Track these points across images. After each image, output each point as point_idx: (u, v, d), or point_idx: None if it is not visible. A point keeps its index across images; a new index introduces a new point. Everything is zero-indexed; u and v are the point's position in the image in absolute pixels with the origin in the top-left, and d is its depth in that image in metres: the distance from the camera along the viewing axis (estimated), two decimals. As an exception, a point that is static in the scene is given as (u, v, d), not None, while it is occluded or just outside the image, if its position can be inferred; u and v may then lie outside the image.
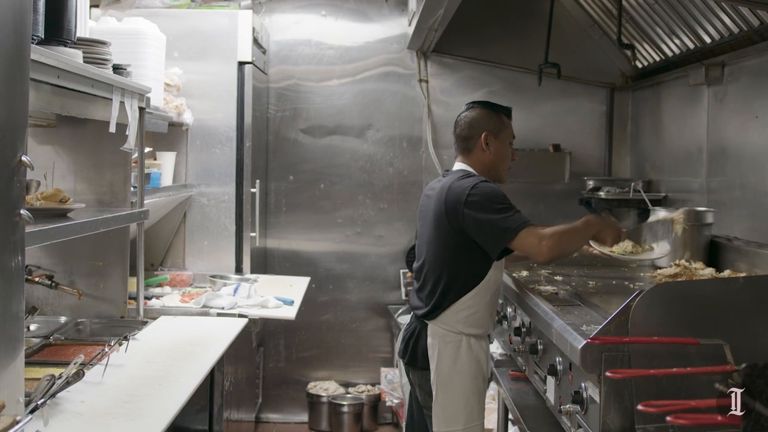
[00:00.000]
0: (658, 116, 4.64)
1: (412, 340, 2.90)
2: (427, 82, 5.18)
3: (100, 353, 2.58)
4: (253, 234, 4.44)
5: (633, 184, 4.47)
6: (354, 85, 5.19)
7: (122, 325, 3.24)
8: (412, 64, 5.18)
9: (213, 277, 4.05)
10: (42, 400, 1.99)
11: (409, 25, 4.84)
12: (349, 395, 5.08)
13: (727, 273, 3.11)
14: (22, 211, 1.72)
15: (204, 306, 3.57)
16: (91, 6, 3.37)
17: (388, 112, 5.20)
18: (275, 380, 5.20)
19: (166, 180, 4.00)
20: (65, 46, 2.41)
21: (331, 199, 5.22)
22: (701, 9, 3.60)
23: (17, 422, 1.68)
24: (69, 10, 2.41)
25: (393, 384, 4.85)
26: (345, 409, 4.95)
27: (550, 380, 2.41)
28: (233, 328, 3.27)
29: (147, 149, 3.50)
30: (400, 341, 3.04)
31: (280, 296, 3.75)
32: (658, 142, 4.65)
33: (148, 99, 3.21)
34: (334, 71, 5.18)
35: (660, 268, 3.28)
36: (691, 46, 3.96)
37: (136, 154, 3.23)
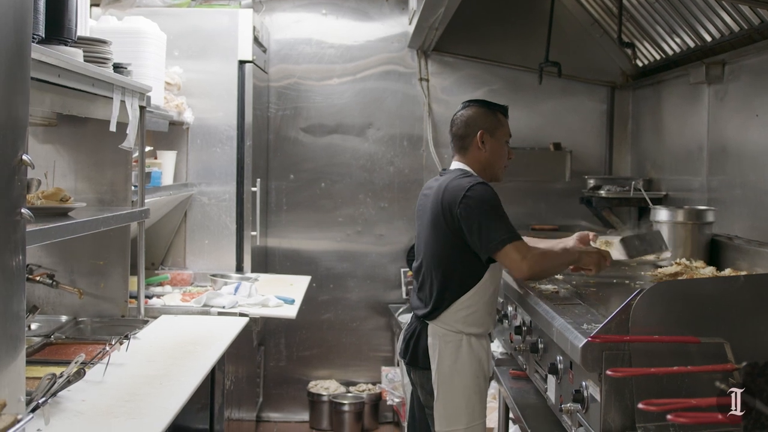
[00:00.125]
0: (659, 115, 4.63)
1: (412, 340, 2.90)
2: (427, 80, 5.18)
3: (101, 352, 2.59)
4: (253, 233, 4.44)
5: (634, 182, 4.47)
6: (354, 83, 5.19)
7: (123, 324, 3.24)
8: (413, 62, 5.18)
9: (214, 276, 4.05)
10: (43, 398, 1.99)
11: (410, 23, 4.83)
12: (350, 394, 5.08)
13: (727, 272, 3.12)
14: (22, 210, 1.72)
15: (205, 305, 3.57)
16: (91, 5, 3.37)
17: (388, 110, 5.20)
18: (276, 379, 5.20)
19: (167, 179, 4.00)
20: (66, 45, 2.41)
21: (331, 197, 5.22)
22: (702, 7, 3.59)
23: (18, 421, 1.69)
24: (69, 9, 2.41)
25: (394, 383, 4.84)
26: (346, 408, 4.95)
27: (551, 379, 2.41)
28: (234, 327, 3.27)
29: (147, 148, 3.50)
30: (401, 341, 3.04)
31: (280, 295, 3.75)
32: (659, 141, 4.65)
33: (149, 98, 3.21)
34: (335, 70, 5.18)
35: (660, 266, 3.28)
36: (692, 44, 3.96)
37: (136, 153, 3.23)
